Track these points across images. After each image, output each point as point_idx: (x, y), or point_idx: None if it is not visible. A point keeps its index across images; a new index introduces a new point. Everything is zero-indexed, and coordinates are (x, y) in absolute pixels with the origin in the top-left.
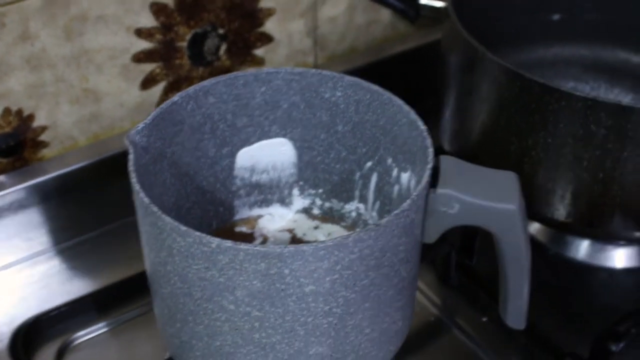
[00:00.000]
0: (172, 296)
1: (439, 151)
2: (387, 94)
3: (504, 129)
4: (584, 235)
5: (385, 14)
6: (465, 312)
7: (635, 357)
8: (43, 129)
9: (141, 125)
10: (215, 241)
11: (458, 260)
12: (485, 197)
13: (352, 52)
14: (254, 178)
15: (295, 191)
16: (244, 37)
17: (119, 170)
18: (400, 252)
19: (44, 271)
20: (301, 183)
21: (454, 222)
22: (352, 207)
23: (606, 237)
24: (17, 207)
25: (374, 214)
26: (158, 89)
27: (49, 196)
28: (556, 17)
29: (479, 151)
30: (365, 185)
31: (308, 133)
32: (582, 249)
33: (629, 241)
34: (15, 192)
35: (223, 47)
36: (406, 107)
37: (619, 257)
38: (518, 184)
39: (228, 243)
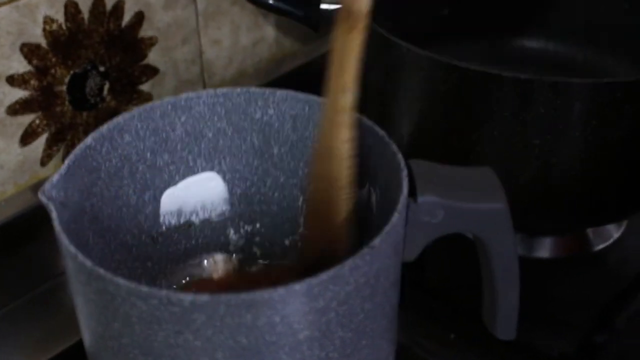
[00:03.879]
0: None
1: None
2: (325, 104)
3: (444, 128)
4: (532, 229)
5: (270, 32)
6: (429, 333)
7: (619, 346)
8: None
9: (56, 177)
10: (189, 297)
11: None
12: (470, 199)
13: (241, 75)
14: (182, 222)
15: (230, 231)
16: (127, 72)
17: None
18: (391, 275)
19: None
20: (236, 220)
21: (438, 232)
22: (297, 238)
23: (552, 226)
24: None
25: None
26: (40, 143)
27: None
28: (445, 11)
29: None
30: None
31: (239, 162)
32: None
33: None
34: None
35: (106, 87)
36: (363, 118)
37: (564, 246)
38: (497, 180)
39: (205, 297)
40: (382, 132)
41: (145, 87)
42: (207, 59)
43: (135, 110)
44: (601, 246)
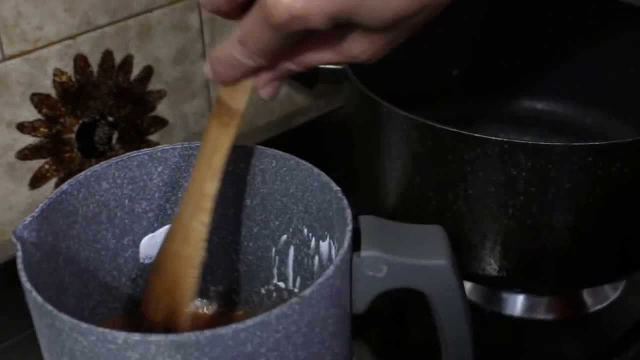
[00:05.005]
0: None
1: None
2: (293, 159)
3: (421, 186)
4: (520, 288)
5: (281, 88)
6: None
7: None
8: None
9: (29, 218)
10: (122, 335)
11: (390, 331)
12: (413, 255)
13: (251, 129)
14: None
15: (209, 278)
16: (136, 123)
17: (12, 278)
18: (330, 326)
19: None
20: (214, 268)
21: (383, 286)
22: (272, 287)
23: (542, 288)
24: None
25: (296, 291)
26: (49, 187)
27: None
28: (455, 72)
29: (397, 213)
30: (283, 261)
31: (215, 212)
32: (519, 304)
33: (565, 291)
34: None
35: (115, 136)
36: (316, 170)
37: (559, 308)
38: (446, 238)
39: (136, 336)
40: (336, 188)
41: (154, 137)
42: None
43: (113, 160)
44: (598, 307)
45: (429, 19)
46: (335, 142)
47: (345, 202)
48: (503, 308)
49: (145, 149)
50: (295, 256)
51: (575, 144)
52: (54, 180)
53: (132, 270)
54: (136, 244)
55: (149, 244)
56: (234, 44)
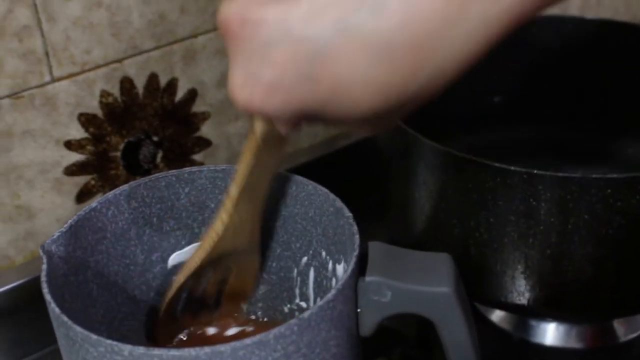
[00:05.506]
0: None
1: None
2: (311, 184)
3: (445, 213)
4: (545, 317)
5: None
6: None
7: None
8: None
9: (57, 233)
10: (128, 348)
11: (414, 354)
12: (418, 281)
13: (295, 151)
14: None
15: None
16: (180, 143)
17: None
18: (332, 347)
19: None
20: None
21: (388, 311)
22: (294, 307)
23: (568, 317)
24: None
25: None
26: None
27: None
28: (497, 99)
29: (424, 238)
30: (304, 282)
31: None
32: (549, 332)
33: (591, 321)
34: None
35: (159, 155)
36: (332, 196)
37: (589, 337)
38: (452, 266)
39: (141, 349)
40: (348, 214)
41: (198, 157)
42: None
43: (142, 180)
44: (629, 337)
45: (429, 99)
46: (374, 166)
47: (355, 228)
48: (532, 336)
49: (173, 171)
50: (315, 277)
51: (594, 176)
52: (99, 196)
53: (160, 285)
54: (164, 260)
55: (177, 261)
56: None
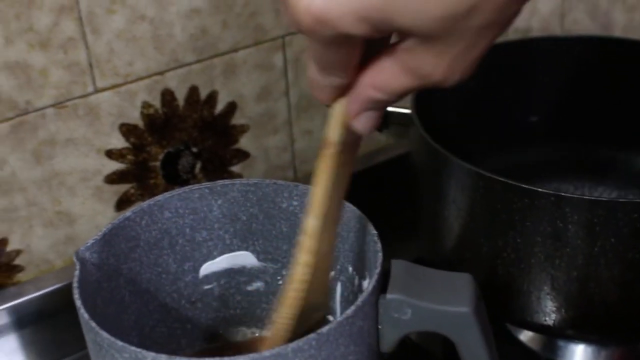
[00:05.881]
0: None
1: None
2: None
3: (473, 232)
4: (571, 338)
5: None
6: None
7: None
8: (17, 252)
9: (91, 241)
10: (150, 355)
11: None
12: (438, 300)
13: None
14: (220, 293)
15: (264, 305)
16: (219, 154)
17: None
18: None
19: None
20: (269, 297)
21: (408, 328)
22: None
23: (594, 339)
24: None
25: None
26: None
27: (25, 320)
28: (534, 118)
29: (452, 257)
30: (332, 296)
31: (270, 245)
32: (577, 353)
33: (618, 343)
34: None
35: (198, 165)
36: (358, 212)
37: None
38: (473, 286)
39: (163, 357)
40: (373, 231)
41: (236, 168)
42: (298, 147)
43: (175, 191)
44: None
45: (502, 20)
46: (406, 184)
47: (379, 246)
48: (560, 357)
49: (207, 183)
50: (342, 292)
51: (621, 199)
52: (138, 204)
53: (191, 293)
54: (196, 270)
55: (209, 270)
56: (309, 62)
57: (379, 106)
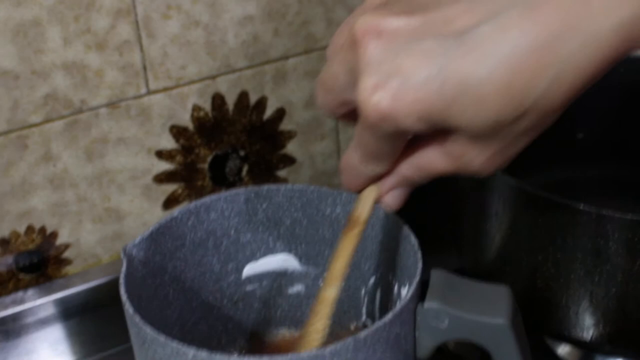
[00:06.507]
0: None
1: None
2: (382, 210)
3: (515, 246)
4: (608, 353)
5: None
6: None
7: None
8: (66, 246)
9: (138, 238)
10: (191, 351)
11: None
12: (475, 311)
13: None
14: (261, 294)
15: (305, 309)
16: (266, 158)
17: None
18: None
19: None
20: (310, 300)
21: (444, 336)
22: (360, 325)
23: (631, 355)
24: (40, 321)
25: None
26: None
27: (71, 312)
28: (580, 135)
29: (493, 269)
30: (372, 301)
31: (312, 249)
32: None
33: None
34: (38, 306)
35: (245, 169)
36: (401, 222)
37: None
38: (510, 298)
39: (203, 353)
40: (414, 241)
41: (282, 173)
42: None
43: (222, 193)
44: None
45: (542, 125)
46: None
47: (419, 255)
48: None
49: (253, 187)
50: (382, 298)
51: None
52: (185, 204)
53: (234, 293)
54: (239, 271)
55: (251, 272)
56: (352, 149)
57: (411, 185)
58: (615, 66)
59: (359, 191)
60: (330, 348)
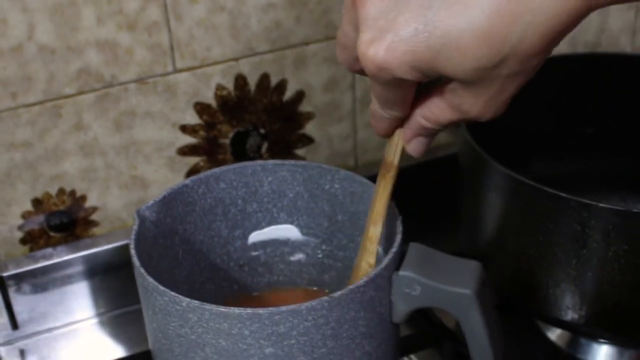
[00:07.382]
0: (159, 352)
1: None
2: (374, 186)
3: (503, 229)
4: (588, 335)
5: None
6: None
7: None
8: (94, 209)
9: (151, 201)
10: (185, 300)
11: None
12: (445, 281)
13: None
14: (265, 260)
15: (305, 275)
16: (285, 137)
17: None
18: (361, 327)
19: (87, 337)
20: (310, 268)
21: (417, 303)
22: None
23: (609, 338)
24: (67, 276)
25: None
26: None
27: (96, 269)
28: (590, 130)
29: (486, 252)
30: None
31: (312, 221)
32: (600, 353)
33: (635, 345)
34: (66, 262)
35: (264, 146)
36: (392, 202)
37: None
38: (479, 272)
39: (195, 303)
40: (399, 216)
41: (300, 151)
42: (360, 137)
43: (231, 166)
44: None
45: (526, 71)
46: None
47: (399, 228)
48: (581, 353)
49: (259, 161)
50: None
51: (635, 210)
52: None
53: (240, 257)
54: (245, 237)
55: (257, 239)
56: (372, 97)
57: (428, 133)
58: (631, 65)
59: (386, 135)
60: (307, 304)
